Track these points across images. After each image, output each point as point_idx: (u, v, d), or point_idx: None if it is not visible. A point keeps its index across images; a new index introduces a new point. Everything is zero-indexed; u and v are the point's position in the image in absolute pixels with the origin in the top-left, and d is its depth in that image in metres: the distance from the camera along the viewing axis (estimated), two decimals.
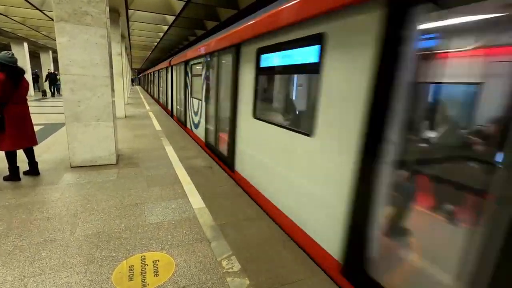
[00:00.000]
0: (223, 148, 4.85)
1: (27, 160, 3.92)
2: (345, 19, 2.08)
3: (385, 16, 1.71)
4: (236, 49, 4.01)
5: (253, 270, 2.25)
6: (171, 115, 11.64)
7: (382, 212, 1.86)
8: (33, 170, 3.99)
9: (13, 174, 3.75)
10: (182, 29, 13.35)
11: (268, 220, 3.09)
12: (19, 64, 3.73)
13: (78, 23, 4.05)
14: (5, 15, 11.61)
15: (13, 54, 3.60)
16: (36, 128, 3.99)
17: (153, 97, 21.36)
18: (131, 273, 2.15)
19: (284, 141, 2.94)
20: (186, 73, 8.04)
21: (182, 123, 8.88)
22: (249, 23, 3.57)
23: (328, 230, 2.31)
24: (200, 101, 6.45)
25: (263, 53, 3.35)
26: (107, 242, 2.52)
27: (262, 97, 3.79)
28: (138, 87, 43.38)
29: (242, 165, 4.08)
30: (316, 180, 2.47)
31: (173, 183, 4.00)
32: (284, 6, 2.74)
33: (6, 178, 3.75)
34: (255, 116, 3.59)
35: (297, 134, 2.72)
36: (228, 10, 9.28)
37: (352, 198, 2.01)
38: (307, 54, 2.58)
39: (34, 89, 18.10)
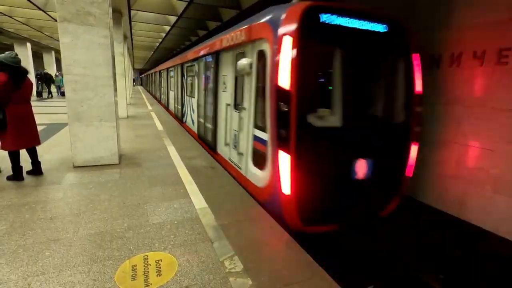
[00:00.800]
0: None
1: (30, 160, 3.94)
2: None
3: None
4: None
5: (255, 270, 2.25)
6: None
7: None
8: (36, 169, 4.00)
9: (16, 174, 3.77)
10: (184, 30, 13.40)
11: (270, 220, 3.09)
12: (22, 64, 3.74)
13: (81, 24, 4.07)
14: (8, 16, 11.70)
15: (16, 55, 3.62)
16: (38, 128, 4.00)
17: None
18: (134, 272, 2.15)
19: None
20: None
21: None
22: None
23: None
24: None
25: None
26: (110, 241, 2.53)
27: None
28: (140, 87, 43.52)
29: None
30: None
31: (175, 183, 4.00)
32: None
33: (9, 178, 3.76)
34: None
35: None
36: (230, 10, 9.29)
37: None
38: None
39: (38, 89, 18.13)
